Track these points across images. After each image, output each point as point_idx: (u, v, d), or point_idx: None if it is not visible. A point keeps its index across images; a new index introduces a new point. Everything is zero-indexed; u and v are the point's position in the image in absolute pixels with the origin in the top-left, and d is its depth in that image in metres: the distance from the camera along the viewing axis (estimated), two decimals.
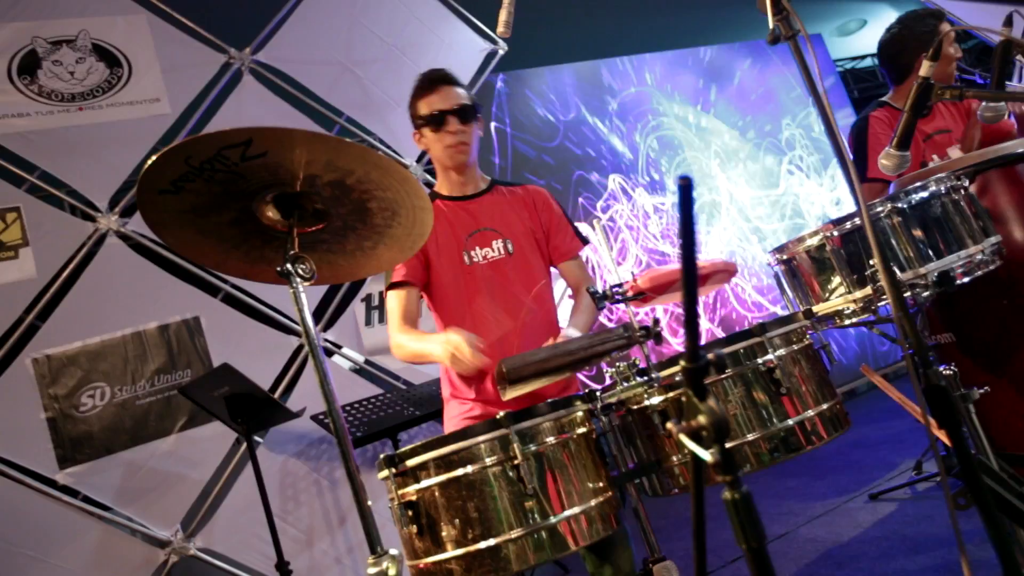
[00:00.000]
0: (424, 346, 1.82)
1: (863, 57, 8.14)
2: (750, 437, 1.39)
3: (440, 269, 1.98)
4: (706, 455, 0.80)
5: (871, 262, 1.67)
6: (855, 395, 5.53)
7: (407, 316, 1.96)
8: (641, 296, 1.39)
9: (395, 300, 1.98)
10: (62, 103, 3.57)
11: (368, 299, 4.09)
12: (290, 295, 1.22)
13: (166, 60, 3.77)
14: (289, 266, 1.18)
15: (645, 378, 1.37)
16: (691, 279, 0.80)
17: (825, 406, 1.46)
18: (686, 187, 0.74)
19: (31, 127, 3.47)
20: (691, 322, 0.82)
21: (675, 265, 1.42)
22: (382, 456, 1.31)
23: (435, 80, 1.95)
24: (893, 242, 1.69)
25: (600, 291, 1.36)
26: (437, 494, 1.28)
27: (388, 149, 4.34)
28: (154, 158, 1.06)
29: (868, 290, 1.71)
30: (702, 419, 0.81)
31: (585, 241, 2.09)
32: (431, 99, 1.94)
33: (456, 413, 1.99)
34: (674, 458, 1.42)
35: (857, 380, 5.53)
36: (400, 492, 1.30)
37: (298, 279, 1.18)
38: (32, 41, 3.55)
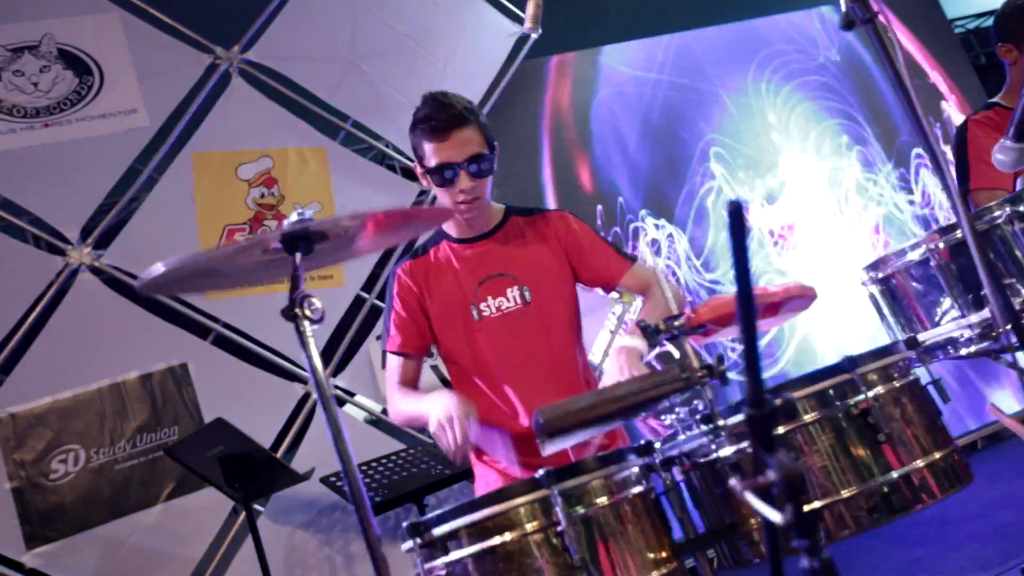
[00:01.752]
0: (420, 406, 1.93)
1: (990, 14, 8.03)
2: (844, 494, 1.41)
3: (444, 332, 2.07)
4: (777, 517, 0.85)
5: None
6: (1000, 439, 5.40)
7: (405, 380, 2.09)
8: (702, 330, 1.43)
9: (393, 364, 2.10)
10: (25, 119, 3.77)
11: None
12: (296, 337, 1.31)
13: (143, 64, 3.95)
14: (296, 309, 1.26)
15: (711, 426, 1.41)
16: (749, 310, 0.86)
17: (937, 455, 1.47)
18: (736, 212, 0.80)
19: None
20: (752, 361, 0.87)
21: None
22: (406, 524, 1.38)
23: (446, 124, 1.96)
24: (1018, 253, 1.71)
25: (652, 325, 1.42)
26: (470, 567, 1.33)
27: (402, 156, 4.45)
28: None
29: (987, 312, 1.72)
30: (770, 475, 0.86)
31: (632, 258, 2.14)
32: (440, 148, 1.98)
33: (482, 473, 2.08)
34: (752, 521, 1.44)
35: (1000, 425, 5.39)
36: (427, 566, 1.36)
37: (306, 322, 1.27)
38: None
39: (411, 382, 2.10)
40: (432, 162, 1.99)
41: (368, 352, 4.15)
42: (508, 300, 2.04)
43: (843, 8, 1.30)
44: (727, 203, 0.79)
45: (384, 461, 3.48)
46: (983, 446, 5.30)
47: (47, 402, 3.55)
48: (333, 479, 3.48)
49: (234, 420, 2.99)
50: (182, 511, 3.56)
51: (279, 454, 3.67)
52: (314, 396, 3.91)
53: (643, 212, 5.13)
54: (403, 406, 2.04)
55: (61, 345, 3.59)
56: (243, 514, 3.41)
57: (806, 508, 0.87)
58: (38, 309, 3.61)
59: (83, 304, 3.67)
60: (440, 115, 1.97)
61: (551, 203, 4.85)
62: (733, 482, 0.86)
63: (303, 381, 3.93)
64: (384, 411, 4.11)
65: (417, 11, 4.50)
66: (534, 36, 4.71)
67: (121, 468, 3.56)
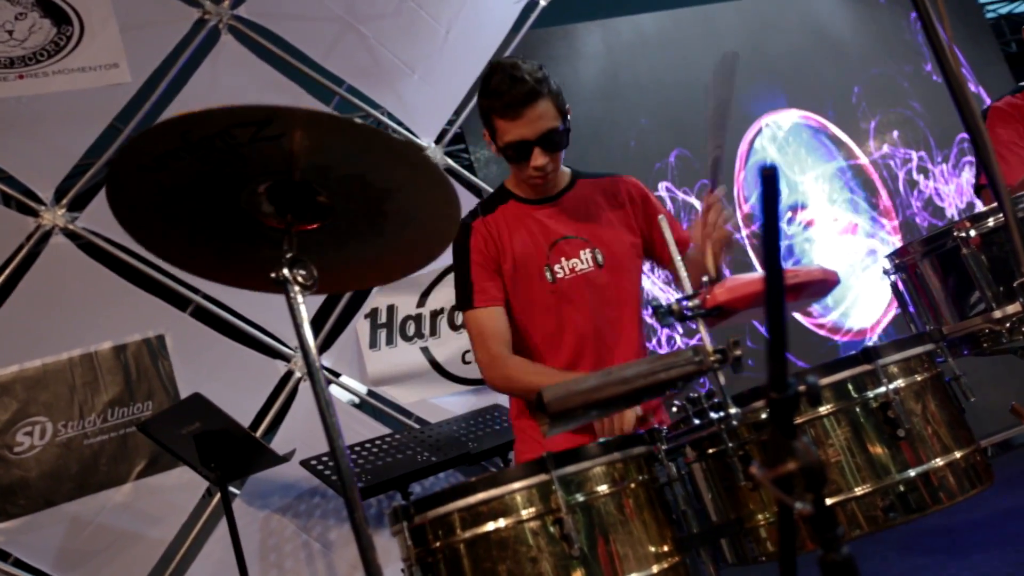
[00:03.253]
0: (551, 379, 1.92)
1: None
2: (858, 492, 1.41)
3: (518, 288, 2.11)
4: (796, 507, 0.84)
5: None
6: (1010, 448, 5.43)
7: (502, 338, 2.08)
8: (719, 312, 1.42)
9: (481, 322, 2.09)
10: None
11: (374, 315, 4.17)
12: (286, 307, 1.29)
13: (126, 16, 3.90)
14: (286, 271, 1.24)
15: (722, 414, 1.40)
16: (776, 289, 0.84)
17: (958, 455, 1.47)
18: (771, 177, 0.78)
19: None
20: (777, 343, 0.86)
21: (761, 273, 1.45)
22: (395, 506, 1.37)
23: (520, 100, 1.98)
24: None
25: (665, 305, 1.40)
26: (462, 554, 1.33)
27: (399, 126, 4.43)
28: (146, 129, 1.15)
29: (1018, 306, 1.72)
30: (791, 463, 0.85)
31: None
32: (514, 125, 2.01)
33: (529, 440, 2.14)
34: (760, 516, 1.44)
35: (1013, 428, 5.42)
36: (416, 551, 1.35)
37: (296, 287, 1.25)
38: None
39: (508, 340, 2.10)
40: (505, 139, 2.03)
41: (355, 331, 4.14)
42: (582, 262, 2.11)
43: None
44: (759, 166, 0.76)
45: (368, 446, 3.48)
46: (993, 453, 5.32)
47: (13, 371, 3.52)
48: (314, 462, 3.48)
49: (212, 397, 2.97)
50: (153, 490, 3.56)
51: (258, 434, 3.66)
52: (296, 375, 3.91)
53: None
54: (525, 374, 2.03)
55: (30, 311, 3.56)
56: (218, 496, 3.41)
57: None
58: (7, 272, 3.59)
59: (55, 269, 3.64)
60: (512, 91, 1.98)
61: None
62: (754, 468, 0.85)
63: (286, 359, 3.92)
64: (371, 393, 4.11)
65: None
66: (543, 3, 4.68)
67: (90, 443, 3.55)
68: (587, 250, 2.12)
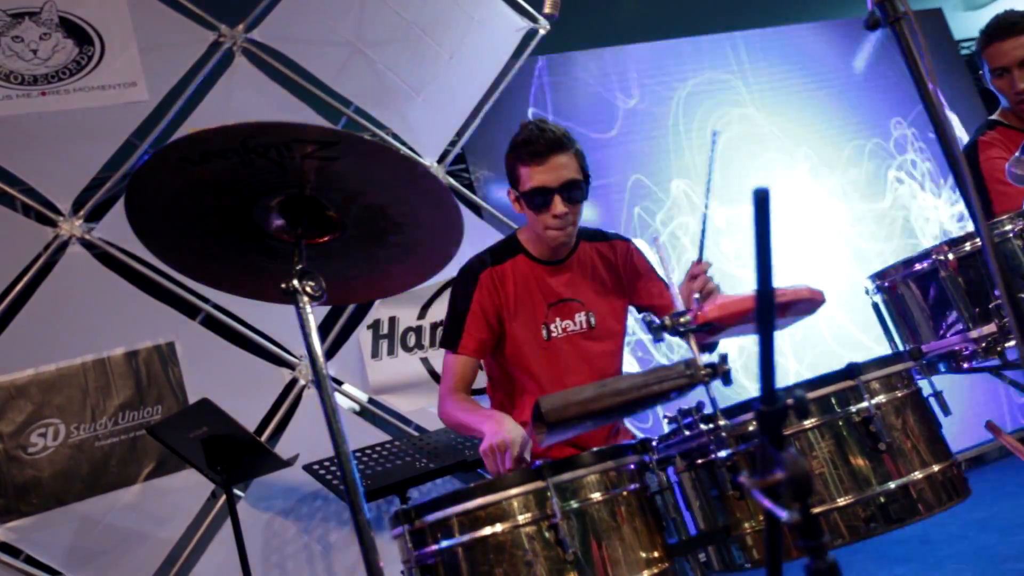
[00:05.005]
0: (474, 419, 2.00)
1: None
2: (840, 503, 1.41)
3: (516, 341, 2.16)
4: (783, 515, 0.83)
5: (996, 292, 1.69)
6: (983, 462, 5.43)
7: (463, 382, 2.16)
8: (708, 328, 1.43)
9: (455, 365, 2.16)
10: (22, 86, 3.74)
11: (376, 326, 4.17)
12: (292, 317, 1.29)
13: (145, 38, 3.92)
14: (296, 283, 1.24)
15: (711, 426, 1.41)
16: (767, 306, 0.84)
17: (936, 468, 1.48)
18: (763, 200, 0.78)
19: None
20: (767, 357, 0.86)
21: (750, 292, 1.46)
22: (396, 510, 1.37)
23: (544, 149, 2.02)
24: None
25: (659, 321, 1.41)
26: (460, 557, 1.33)
27: (404, 146, 4.44)
28: (211, 128, 1.15)
29: (993, 327, 1.72)
30: (779, 473, 0.85)
31: None
32: (536, 171, 2.04)
33: None
34: (746, 525, 1.44)
35: (986, 443, 5.43)
36: (416, 554, 1.35)
37: (306, 298, 1.25)
38: None
39: (468, 385, 2.18)
40: (528, 185, 2.06)
41: (358, 341, 4.13)
42: (575, 324, 2.18)
43: (868, 6, 1.29)
44: (753, 190, 0.77)
45: (369, 451, 3.46)
46: (966, 467, 5.31)
47: (30, 374, 3.51)
48: (316, 467, 3.46)
49: (218, 402, 2.96)
50: (161, 492, 3.54)
51: (262, 439, 3.64)
52: (301, 383, 3.90)
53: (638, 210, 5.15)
54: (458, 413, 2.09)
55: (47, 317, 3.55)
56: (223, 498, 3.39)
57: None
58: (25, 279, 3.57)
59: (71, 277, 3.63)
60: (539, 140, 2.03)
61: None
62: (744, 478, 0.84)
63: (291, 367, 3.91)
64: (372, 400, 4.11)
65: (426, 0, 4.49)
66: (542, 32, 4.70)
67: (101, 445, 3.53)
68: (582, 313, 2.19)
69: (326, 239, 1.40)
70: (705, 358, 1.37)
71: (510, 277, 2.18)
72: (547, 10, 1.76)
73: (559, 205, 2.04)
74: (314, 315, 1.32)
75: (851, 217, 5.76)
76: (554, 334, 2.16)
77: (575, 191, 2.06)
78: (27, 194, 3.78)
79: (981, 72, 2.65)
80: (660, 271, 1.56)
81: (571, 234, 2.15)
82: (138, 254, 3.66)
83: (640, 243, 2.36)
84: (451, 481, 3.77)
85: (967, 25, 7.66)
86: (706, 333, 1.43)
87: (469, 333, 2.14)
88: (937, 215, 5.97)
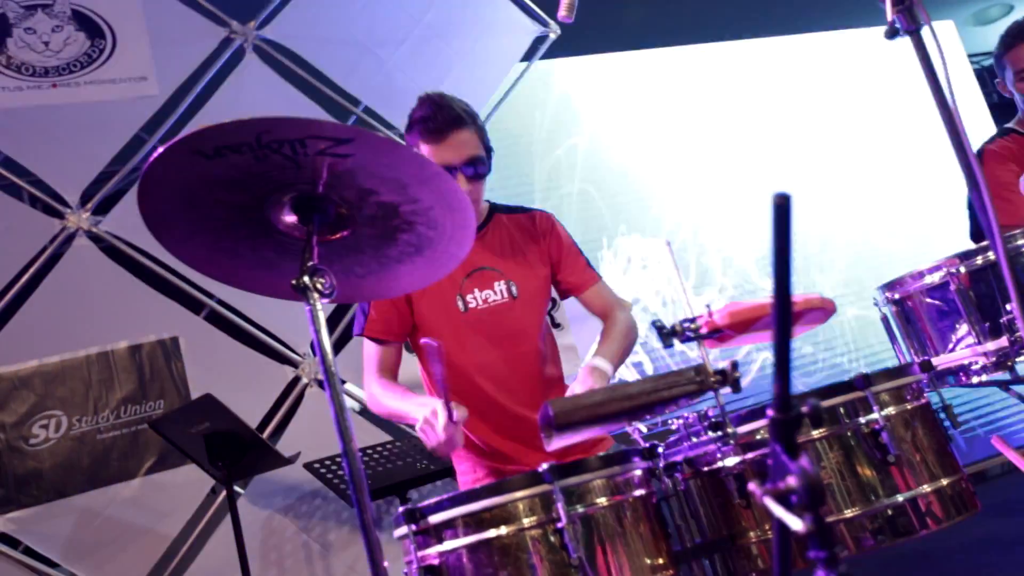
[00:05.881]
0: (403, 406, 1.94)
1: None
2: (848, 514, 1.40)
3: (426, 317, 2.06)
4: (796, 523, 0.83)
5: (1008, 307, 1.68)
6: (985, 479, 5.41)
7: (384, 367, 2.08)
8: (718, 334, 1.42)
9: (371, 350, 2.10)
10: (33, 78, 3.74)
11: None
12: (296, 314, 1.28)
13: (157, 32, 3.92)
14: (306, 279, 1.24)
15: (719, 434, 1.40)
16: (785, 312, 0.84)
17: (945, 482, 1.47)
18: (783, 206, 0.77)
19: None
20: (783, 365, 0.85)
21: (761, 299, 1.45)
22: (401, 509, 1.36)
23: (444, 126, 1.96)
24: None
25: (668, 326, 1.40)
26: (464, 559, 1.32)
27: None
28: (226, 122, 1.14)
29: (1003, 341, 1.72)
30: (791, 480, 0.84)
31: (599, 275, 2.19)
32: (437, 150, 1.97)
33: (466, 471, 2.11)
34: (752, 534, 1.43)
35: (989, 460, 5.42)
36: (420, 554, 1.34)
37: (315, 295, 1.24)
38: (2, 4, 3.74)
39: (391, 370, 2.10)
40: None
41: (362, 341, 4.12)
42: (495, 293, 2.07)
43: (888, 17, 1.28)
44: (773, 195, 0.76)
45: (369, 452, 3.47)
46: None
47: (33, 365, 3.51)
48: (317, 465, 3.46)
49: (221, 398, 2.97)
50: (161, 486, 3.54)
51: (264, 436, 3.64)
52: (303, 381, 3.90)
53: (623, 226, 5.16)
54: (386, 400, 2.02)
55: (52, 309, 3.56)
56: (222, 494, 3.38)
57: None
58: (31, 271, 3.58)
59: (77, 269, 3.64)
60: (438, 116, 1.97)
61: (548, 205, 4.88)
62: (752, 486, 0.84)
63: (294, 364, 3.91)
64: None
65: (437, 1, 4.49)
66: (552, 37, 4.71)
67: (103, 438, 3.53)
68: (501, 282, 2.07)
69: (337, 236, 1.39)
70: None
71: None
72: (562, 13, 1.73)
73: (462, 182, 1.97)
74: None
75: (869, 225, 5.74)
76: (472, 305, 2.04)
77: (478, 167, 2.00)
78: (35, 185, 3.79)
79: (999, 80, 2.63)
80: (673, 273, 1.52)
81: (477, 211, 2.08)
82: (144, 248, 3.67)
83: (658, 243, 2.30)
84: (451, 483, 3.76)
85: (978, 40, 7.66)
86: (715, 340, 1.43)
87: (374, 312, 2.06)
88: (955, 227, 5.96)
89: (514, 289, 2.07)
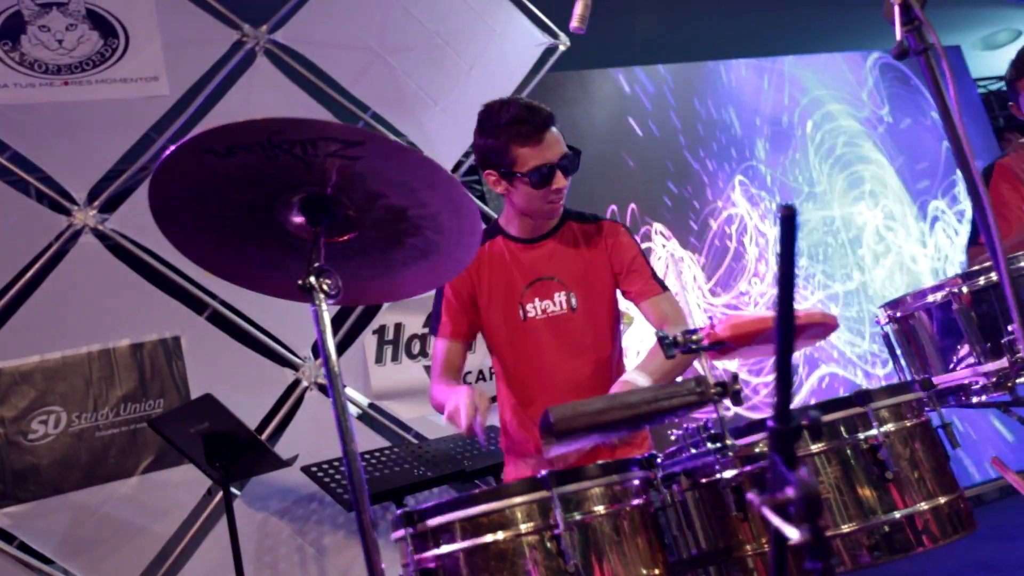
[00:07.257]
0: (446, 395, 1.99)
1: None
2: (845, 529, 1.40)
3: (492, 323, 2.12)
4: (793, 534, 0.83)
5: (1010, 328, 1.69)
6: (982, 502, 5.39)
7: (450, 366, 2.14)
8: (720, 346, 1.42)
9: (440, 349, 2.16)
10: (46, 75, 3.76)
11: (381, 331, 4.17)
12: (297, 317, 1.29)
13: (169, 33, 3.95)
14: (312, 280, 1.25)
15: (718, 445, 1.40)
16: (787, 326, 0.84)
17: (943, 500, 1.47)
18: (789, 218, 0.78)
19: (8, 100, 3.64)
20: (784, 377, 0.86)
21: (763, 312, 1.46)
22: (400, 512, 1.36)
23: (542, 125, 1.97)
24: None
25: (671, 337, 1.40)
26: (461, 563, 1.32)
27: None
28: (239, 122, 1.16)
29: (1004, 362, 1.72)
30: (789, 491, 0.84)
31: (664, 287, 2.15)
32: (539, 150, 1.97)
33: (511, 469, 2.15)
34: (748, 547, 1.43)
35: (987, 483, 5.40)
36: (417, 557, 1.34)
37: (321, 296, 1.25)
38: (18, 1, 3.76)
39: (455, 368, 2.16)
40: (530, 164, 1.98)
41: (362, 344, 4.13)
42: (554, 304, 2.08)
43: (897, 36, 1.29)
44: (779, 206, 0.77)
45: (367, 456, 3.47)
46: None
47: (35, 361, 3.52)
48: (314, 469, 3.46)
49: (222, 398, 2.97)
50: (158, 485, 3.53)
51: (263, 437, 3.64)
52: (303, 384, 3.90)
53: (657, 227, 5.17)
54: (438, 393, 2.08)
55: (55, 305, 3.57)
56: (219, 495, 3.38)
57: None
58: (36, 266, 3.59)
59: (82, 266, 3.65)
60: (534, 117, 1.98)
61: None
62: (751, 495, 0.84)
63: (294, 367, 3.91)
64: (372, 405, 4.11)
65: (448, 10, 4.51)
66: (562, 48, 4.73)
67: (102, 435, 3.53)
68: (561, 293, 2.08)
69: (345, 238, 1.40)
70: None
71: (484, 260, 2.12)
72: (575, 23, 1.73)
73: (560, 179, 2.00)
74: (310, 320, 1.32)
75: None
76: (531, 315, 2.07)
77: (573, 161, 2.03)
78: (43, 182, 3.81)
79: (1012, 103, 2.64)
80: (675, 285, 1.54)
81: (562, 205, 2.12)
82: (149, 247, 3.68)
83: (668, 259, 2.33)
84: (447, 490, 3.76)
85: (985, 64, 7.70)
86: (718, 352, 1.43)
87: (446, 316, 2.13)
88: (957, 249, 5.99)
89: (574, 301, 2.08)
